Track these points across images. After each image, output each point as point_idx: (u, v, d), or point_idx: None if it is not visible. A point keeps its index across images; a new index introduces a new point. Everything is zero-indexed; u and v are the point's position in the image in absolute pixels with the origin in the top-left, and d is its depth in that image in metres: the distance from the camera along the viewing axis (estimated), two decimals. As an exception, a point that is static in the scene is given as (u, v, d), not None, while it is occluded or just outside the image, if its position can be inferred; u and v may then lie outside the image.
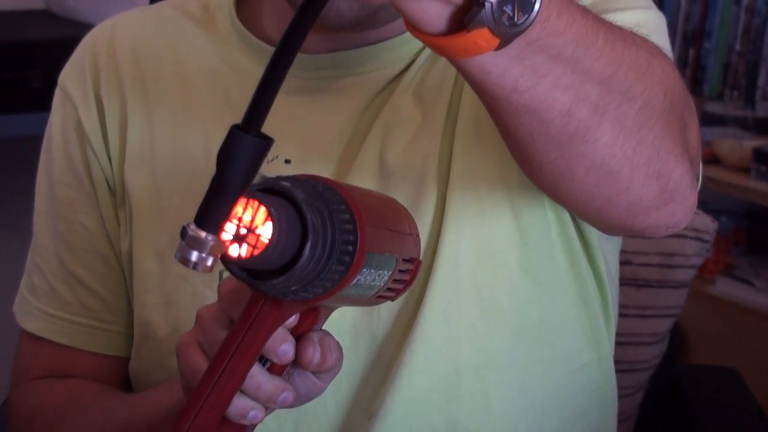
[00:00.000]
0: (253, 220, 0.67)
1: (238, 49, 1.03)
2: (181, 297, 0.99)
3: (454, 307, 0.95)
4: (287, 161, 0.98)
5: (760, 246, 2.73)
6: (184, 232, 0.65)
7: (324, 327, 0.97)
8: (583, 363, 1.02)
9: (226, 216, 0.66)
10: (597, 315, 1.02)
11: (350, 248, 0.69)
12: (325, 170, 0.97)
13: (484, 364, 0.97)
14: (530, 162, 0.76)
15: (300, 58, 0.99)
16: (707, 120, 2.68)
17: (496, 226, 0.96)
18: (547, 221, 0.97)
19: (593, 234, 1.01)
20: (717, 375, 1.46)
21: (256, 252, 0.67)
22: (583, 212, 0.81)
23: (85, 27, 1.26)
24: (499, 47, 0.64)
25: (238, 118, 0.89)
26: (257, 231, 0.67)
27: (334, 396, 0.96)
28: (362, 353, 0.97)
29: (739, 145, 2.60)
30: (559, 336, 1.00)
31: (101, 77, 1.05)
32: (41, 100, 1.13)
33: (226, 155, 0.64)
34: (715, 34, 2.78)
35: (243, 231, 0.67)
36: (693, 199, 0.81)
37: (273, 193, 0.68)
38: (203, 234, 0.65)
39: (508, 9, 0.63)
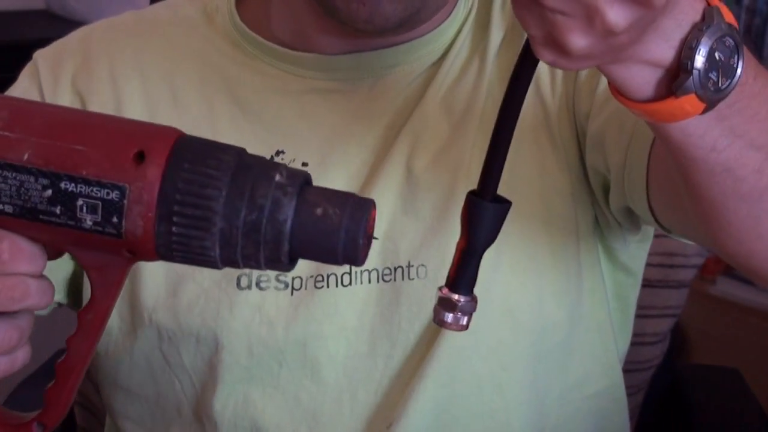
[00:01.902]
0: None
1: (242, 49, 1.03)
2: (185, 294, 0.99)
3: (483, 322, 0.95)
4: (304, 164, 0.98)
5: (761, 246, 2.73)
6: (441, 298, 0.71)
7: (343, 333, 0.97)
8: (596, 390, 1.03)
9: (475, 278, 0.71)
10: (609, 341, 1.03)
11: None
12: (345, 174, 0.97)
13: (507, 382, 0.97)
14: (718, 222, 0.77)
15: (317, 58, 1.00)
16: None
17: (531, 245, 0.96)
18: (578, 244, 0.98)
19: (626, 255, 1.02)
20: (718, 375, 1.46)
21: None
22: (760, 270, 0.82)
23: (85, 27, 1.24)
24: (704, 112, 0.66)
25: (248, 116, 0.87)
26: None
27: (350, 402, 0.96)
28: (380, 362, 0.96)
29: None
30: (574, 361, 1.01)
31: (92, 70, 1.03)
32: (41, 100, 1.13)
33: (468, 222, 0.70)
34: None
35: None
36: None
37: None
38: (456, 296, 0.71)
39: (713, 75, 0.65)
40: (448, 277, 0.71)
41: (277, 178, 0.65)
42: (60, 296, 1.03)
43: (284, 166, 0.66)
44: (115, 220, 0.64)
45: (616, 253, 1.03)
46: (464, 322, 0.72)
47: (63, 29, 1.12)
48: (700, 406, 1.37)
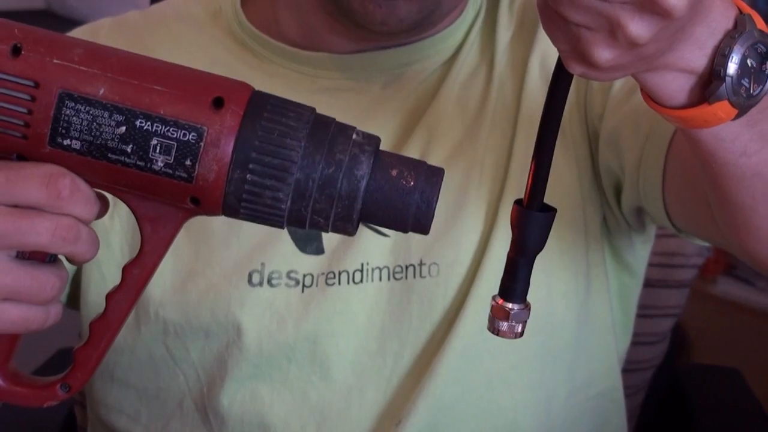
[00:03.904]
0: None
1: (250, 49, 1.03)
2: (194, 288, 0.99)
3: None
4: None
5: (762, 246, 2.73)
6: (495, 307, 0.72)
7: (353, 330, 0.96)
8: (598, 391, 1.03)
9: (527, 286, 0.72)
10: (611, 342, 1.03)
11: None
12: None
13: (516, 381, 0.97)
14: (747, 226, 0.78)
15: (327, 58, 1.00)
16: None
17: (547, 244, 0.97)
18: (586, 244, 0.98)
19: (632, 256, 1.02)
20: (718, 375, 1.46)
21: None
22: None
23: (86, 27, 1.24)
24: (737, 117, 0.67)
25: None
26: None
27: (359, 400, 0.96)
28: (390, 360, 0.97)
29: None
30: (581, 361, 1.01)
31: None
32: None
33: (519, 232, 0.71)
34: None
35: None
36: None
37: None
38: (510, 305, 0.72)
39: (745, 82, 0.66)
40: (501, 286, 0.73)
41: (354, 136, 0.65)
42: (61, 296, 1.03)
43: (358, 128, 0.66)
44: (188, 162, 0.63)
45: (622, 253, 1.03)
46: (519, 330, 0.73)
47: (64, 29, 1.12)
48: (701, 405, 1.37)
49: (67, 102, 0.63)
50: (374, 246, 0.96)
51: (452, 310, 0.96)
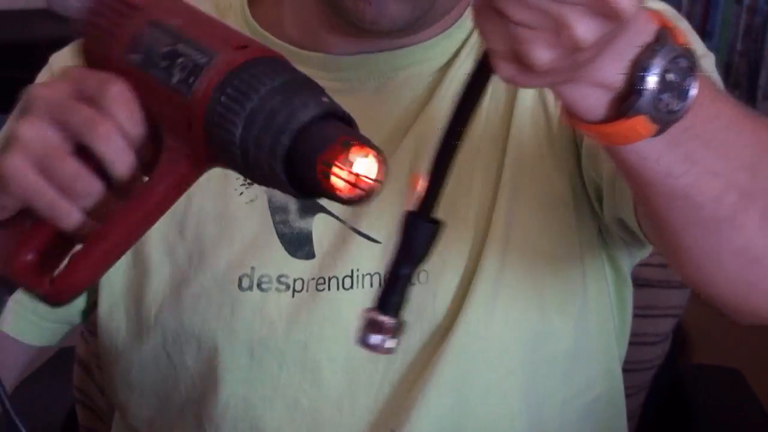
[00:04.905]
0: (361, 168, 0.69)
1: None
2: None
3: (488, 330, 0.95)
4: None
5: (762, 246, 2.73)
6: (365, 318, 0.69)
7: (344, 336, 0.96)
8: (597, 395, 1.03)
9: (401, 300, 0.69)
10: (612, 349, 1.03)
11: None
12: None
13: (512, 389, 0.97)
14: (678, 247, 0.76)
15: (324, 58, 1.00)
16: (709, 119, 2.68)
17: (531, 253, 0.96)
18: (581, 253, 0.98)
19: (624, 262, 1.01)
20: (719, 375, 1.46)
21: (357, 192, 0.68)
22: (726, 298, 0.81)
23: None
24: (657, 134, 0.65)
25: None
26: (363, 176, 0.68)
27: (350, 407, 0.96)
28: (381, 366, 0.96)
29: (741, 145, 2.60)
30: (578, 367, 1.00)
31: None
32: (42, 100, 1.12)
33: (404, 240, 0.69)
34: (716, 33, 2.78)
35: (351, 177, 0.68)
36: None
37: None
38: (383, 318, 0.69)
39: (665, 96, 0.64)
40: (377, 297, 0.69)
41: (325, 98, 0.69)
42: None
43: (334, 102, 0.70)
44: (191, 80, 0.69)
45: (619, 263, 1.02)
46: (390, 345, 0.69)
47: (64, 29, 1.12)
48: (702, 406, 1.37)
49: (148, 25, 0.72)
50: (364, 252, 0.96)
51: (447, 318, 0.96)
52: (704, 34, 2.79)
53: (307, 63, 1.00)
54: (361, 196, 0.67)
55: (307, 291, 0.96)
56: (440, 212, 0.95)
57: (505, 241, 0.95)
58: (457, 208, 0.96)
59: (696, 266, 0.78)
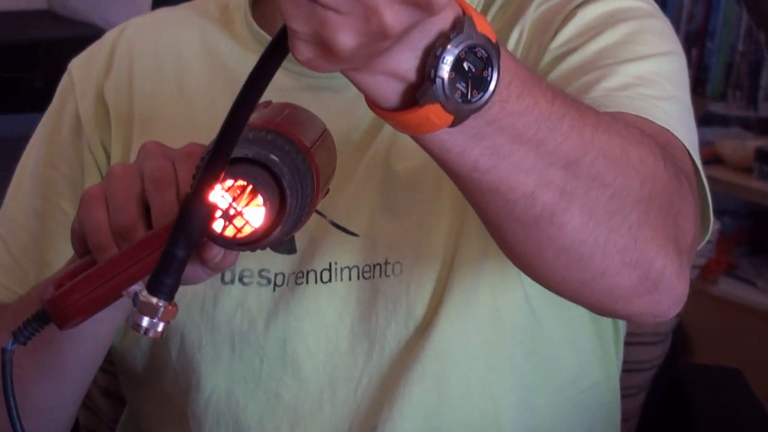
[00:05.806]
0: (242, 202, 0.69)
1: (253, 50, 1.03)
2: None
3: (469, 324, 0.95)
4: None
5: (763, 246, 2.73)
6: (135, 298, 0.68)
7: (323, 330, 0.97)
8: (592, 382, 1.02)
9: (177, 284, 0.68)
10: (608, 333, 1.02)
11: (306, 213, 0.75)
12: None
13: (496, 383, 0.97)
14: (502, 241, 0.75)
15: None
16: (710, 120, 2.68)
17: None
18: None
19: None
20: (719, 375, 1.46)
21: (240, 235, 0.69)
22: (561, 294, 0.80)
23: (87, 27, 1.25)
24: (454, 124, 0.64)
25: None
26: (246, 215, 0.69)
27: (331, 400, 0.96)
28: (360, 359, 0.96)
29: (741, 146, 2.60)
30: (570, 356, 1.00)
31: (112, 72, 1.05)
32: (44, 101, 1.13)
33: (180, 220, 0.67)
34: (717, 34, 2.78)
35: (232, 211, 0.69)
36: (681, 289, 0.78)
37: (259, 165, 0.71)
38: (155, 300, 0.68)
39: (461, 86, 0.63)
40: (150, 278, 0.69)
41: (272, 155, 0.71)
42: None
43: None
44: None
45: None
46: (160, 329, 0.69)
47: (65, 29, 1.13)
48: (702, 406, 1.37)
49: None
50: (342, 245, 0.96)
51: (428, 311, 0.96)
52: (705, 34, 2.79)
53: (295, 61, 1.01)
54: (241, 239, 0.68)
55: (287, 285, 0.97)
56: (418, 203, 0.96)
57: (485, 229, 0.95)
58: (438, 204, 0.96)
59: (524, 263, 0.77)
